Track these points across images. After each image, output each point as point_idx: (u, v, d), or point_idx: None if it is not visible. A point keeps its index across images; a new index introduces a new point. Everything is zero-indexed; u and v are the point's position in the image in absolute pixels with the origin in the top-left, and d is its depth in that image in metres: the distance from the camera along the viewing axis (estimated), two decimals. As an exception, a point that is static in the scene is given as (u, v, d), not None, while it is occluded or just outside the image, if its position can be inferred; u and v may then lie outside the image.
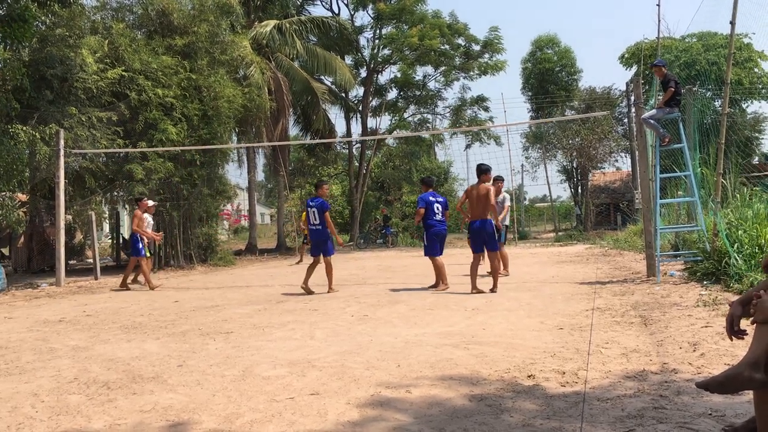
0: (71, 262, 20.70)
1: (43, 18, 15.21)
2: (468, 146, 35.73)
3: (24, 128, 14.39)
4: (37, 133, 14.49)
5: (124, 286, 13.08)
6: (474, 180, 10.43)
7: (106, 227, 27.23)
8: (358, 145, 32.84)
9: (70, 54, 15.30)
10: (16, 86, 14.58)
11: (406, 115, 34.71)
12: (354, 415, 3.79)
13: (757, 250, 8.46)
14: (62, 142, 14.33)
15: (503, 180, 13.15)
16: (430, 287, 10.77)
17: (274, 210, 41.25)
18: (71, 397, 4.48)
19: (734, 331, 3.10)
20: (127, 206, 21.15)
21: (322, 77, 29.91)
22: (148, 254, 13.49)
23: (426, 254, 10.77)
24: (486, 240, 9.94)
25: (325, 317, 7.82)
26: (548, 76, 40.04)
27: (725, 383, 2.88)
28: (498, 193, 12.38)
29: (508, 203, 13.39)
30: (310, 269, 10.79)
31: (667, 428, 3.34)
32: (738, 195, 10.78)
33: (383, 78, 33.59)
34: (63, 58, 15.27)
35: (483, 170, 10.13)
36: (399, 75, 32.80)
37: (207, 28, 18.52)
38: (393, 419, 3.69)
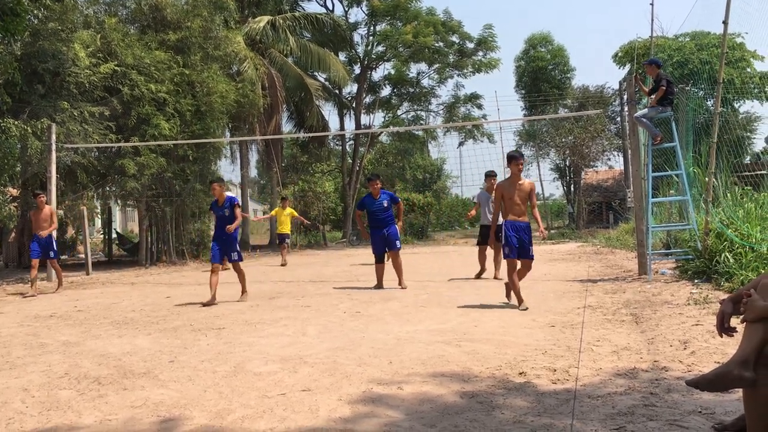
0: (63, 257, 20.60)
1: (35, 12, 15.14)
2: (461, 144, 35.76)
3: (15, 122, 14.31)
4: (28, 128, 14.41)
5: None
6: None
7: (98, 222, 27.12)
8: (351, 141, 32.80)
9: (62, 48, 15.22)
10: (8, 80, 14.51)
11: (399, 112, 34.69)
12: (345, 412, 3.79)
13: (747, 250, 8.50)
14: (54, 136, 14.27)
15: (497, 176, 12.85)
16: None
17: (267, 206, 41.19)
18: (62, 393, 4.46)
19: (725, 328, 3.12)
20: (119, 201, 21.09)
21: (316, 74, 29.87)
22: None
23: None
24: (528, 246, 7.95)
25: (318, 314, 7.82)
26: (541, 75, 40.10)
27: (715, 381, 2.90)
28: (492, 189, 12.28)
29: None
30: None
31: (658, 426, 3.36)
32: (729, 194, 10.81)
33: (377, 75, 33.63)
34: (55, 53, 15.19)
35: (511, 157, 7.99)
36: (393, 72, 32.78)
37: (200, 23, 18.46)
38: (384, 416, 3.70)
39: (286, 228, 16.91)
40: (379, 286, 10.43)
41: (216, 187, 9.53)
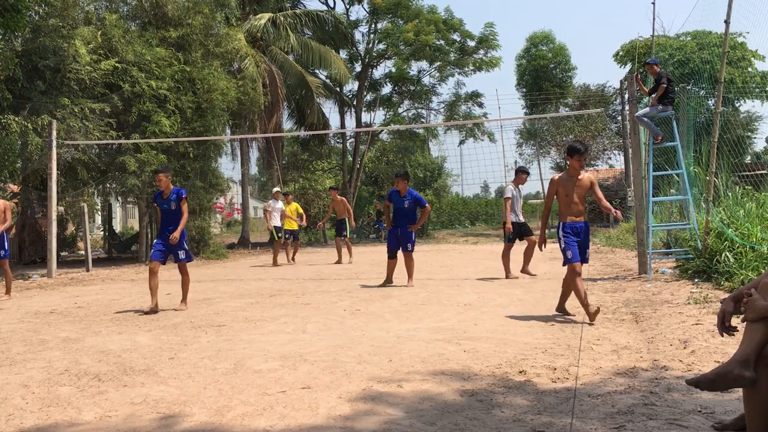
0: (63, 253, 20.61)
1: (36, 8, 15.13)
2: (462, 142, 35.70)
3: (16, 119, 14.31)
4: (29, 124, 14.42)
5: None
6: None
7: (98, 219, 27.12)
8: (352, 139, 32.78)
9: (63, 45, 15.21)
10: (9, 76, 14.50)
11: (400, 110, 34.65)
12: (345, 409, 3.79)
13: (748, 249, 8.50)
14: (54, 133, 14.25)
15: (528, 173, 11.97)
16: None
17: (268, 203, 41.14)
18: (62, 389, 4.46)
19: (725, 327, 3.12)
20: (119, 198, 21.09)
21: (317, 71, 29.82)
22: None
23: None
24: (587, 249, 7.10)
25: (318, 311, 7.82)
26: (543, 73, 40.04)
27: (715, 381, 2.90)
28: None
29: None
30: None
31: (657, 425, 3.36)
32: (730, 194, 10.81)
33: (378, 73, 33.51)
34: (56, 49, 15.18)
35: (574, 150, 6.91)
36: (394, 70, 32.71)
37: (201, 20, 18.44)
38: (384, 414, 3.70)
39: (293, 224, 16.52)
40: (388, 281, 10.49)
41: (162, 178, 8.28)
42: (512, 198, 11.27)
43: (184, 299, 8.45)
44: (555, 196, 7.07)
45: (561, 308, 7.15)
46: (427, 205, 10.84)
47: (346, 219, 16.29)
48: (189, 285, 8.54)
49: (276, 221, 16.00)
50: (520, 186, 11.56)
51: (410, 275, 10.46)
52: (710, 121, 10.60)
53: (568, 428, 3.37)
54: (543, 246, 7.50)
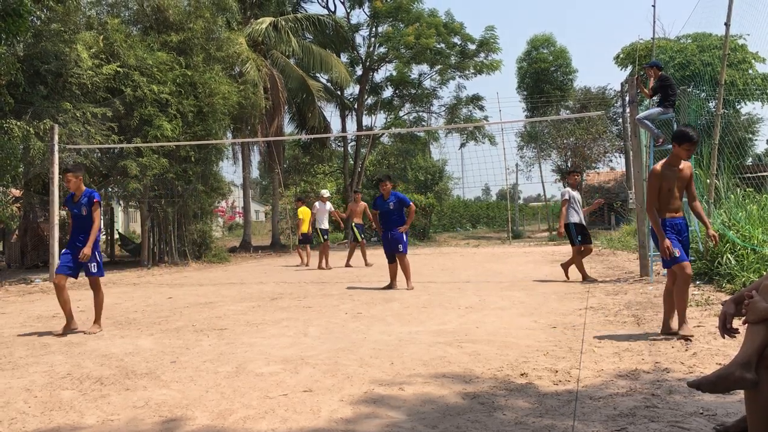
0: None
1: (38, 13, 15.15)
2: (463, 145, 35.73)
3: (18, 123, 14.32)
4: (31, 129, 14.43)
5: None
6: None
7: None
8: (353, 143, 32.81)
9: (65, 49, 15.22)
10: (11, 81, 14.51)
11: (401, 113, 34.69)
12: (347, 413, 3.80)
13: (749, 251, 8.50)
14: (56, 137, 14.27)
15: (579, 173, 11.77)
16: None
17: (269, 207, 41.19)
18: (64, 393, 4.47)
19: (727, 329, 3.12)
20: (121, 202, 21.12)
21: (318, 75, 29.88)
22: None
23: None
24: (689, 248, 6.08)
25: (319, 314, 7.82)
26: (543, 76, 40.08)
27: (717, 383, 2.90)
28: (575, 186, 11.47)
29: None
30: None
31: (659, 427, 3.36)
32: (731, 196, 10.81)
33: (379, 76, 33.61)
34: (58, 54, 15.20)
35: (685, 138, 5.66)
36: (394, 73, 32.78)
37: (203, 24, 18.48)
38: (386, 416, 3.70)
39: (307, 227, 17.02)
40: (391, 285, 10.52)
41: (70, 178, 7.07)
42: (569, 200, 11.16)
43: (97, 320, 7.21)
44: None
45: (668, 327, 5.82)
46: (411, 203, 10.79)
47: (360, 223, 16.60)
48: (102, 302, 7.32)
49: (324, 224, 16.19)
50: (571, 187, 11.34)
51: (408, 277, 10.43)
52: (711, 123, 10.61)
53: (570, 431, 3.37)
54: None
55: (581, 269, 10.94)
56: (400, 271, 10.60)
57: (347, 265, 15.78)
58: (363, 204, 16.65)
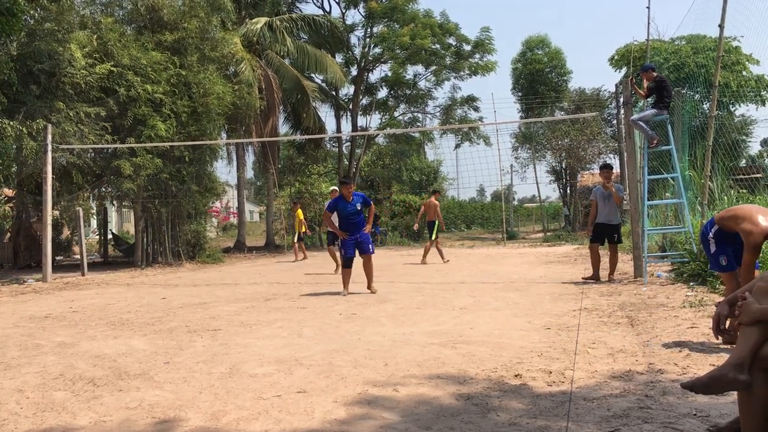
0: (58, 258, 20.53)
1: (31, 12, 15.08)
2: (458, 146, 35.74)
3: (11, 123, 14.26)
4: (24, 128, 14.36)
5: None
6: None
7: (94, 223, 27.06)
8: (348, 143, 32.79)
9: (58, 49, 15.16)
10: (3, 80, 14.44)
11: (396, 114, 34.69)
12: (341, 414, 3.79)
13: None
14: (50, 137, 14.23)
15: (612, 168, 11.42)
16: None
17: (263, 207, 41.13)
18: (56, 394, 4.45)
19: (720, 330, 3.13)
20: (115, 202, 21.05)
21: (313, 75, 29.83)
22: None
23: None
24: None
25: (313, 315, 7.81)
26: (538, 77, 40.10)
27: (710, 384, 2.90)
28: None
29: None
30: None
31: (653, 428, 3.36)
32: (725, 197, 10.85)
33: (374, 76, 33.56)
34: (51, 53, 15.13)
35: None
36: (389, 74, 32.78)
37: (197, 24, 18.44)
38: (380, 418, 3.70)
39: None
40: (345, 291, 10.12)
41: None
42: (595, 199, 11.13)
43: None
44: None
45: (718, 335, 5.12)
46: (372, 203, 10.63)
47: (436, 222, 17.09)
48: None
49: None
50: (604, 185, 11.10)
51: (370, 280, 10.26)
52: (705, 124, 10.63)
53: (564, 432, 3.37)
54: None
55: (595, 263, 11.01)
56: (354, 277, 10.40)
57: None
58: (436, 203, 17.47)
